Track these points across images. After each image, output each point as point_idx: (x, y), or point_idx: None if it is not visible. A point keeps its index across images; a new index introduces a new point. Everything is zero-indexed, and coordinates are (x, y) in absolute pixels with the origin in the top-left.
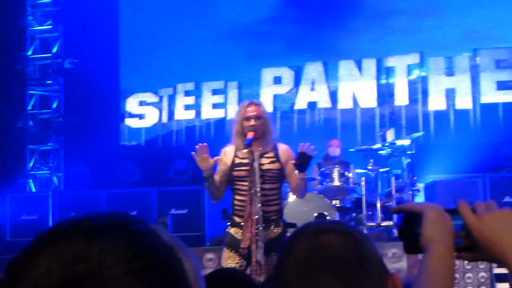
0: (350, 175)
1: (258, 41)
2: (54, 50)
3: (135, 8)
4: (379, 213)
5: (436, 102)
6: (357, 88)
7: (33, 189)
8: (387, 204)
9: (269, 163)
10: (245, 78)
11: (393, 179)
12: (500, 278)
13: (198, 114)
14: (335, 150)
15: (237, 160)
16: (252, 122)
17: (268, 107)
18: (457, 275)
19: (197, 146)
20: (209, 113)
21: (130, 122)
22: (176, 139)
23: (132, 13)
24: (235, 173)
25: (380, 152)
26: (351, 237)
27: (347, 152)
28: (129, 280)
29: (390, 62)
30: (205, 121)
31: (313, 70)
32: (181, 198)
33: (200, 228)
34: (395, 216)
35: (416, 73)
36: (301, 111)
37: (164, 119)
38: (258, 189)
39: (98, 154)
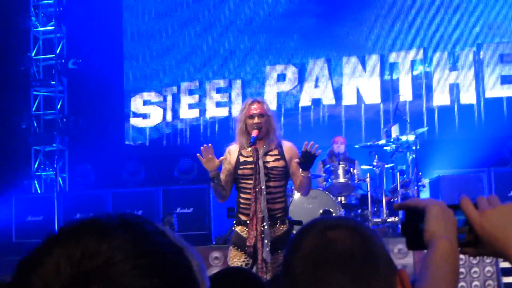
0: (355, 171)
1: (264, 39)
2: (58, 50)
3: (138, 7)
4: (384, 209)
5: (440, 98)
6: (361, 85)
7: (38, 190)
8: (392, 200)
9: (273, 160)
10: (249, 76)
11: (398, 175)
12: (507, 272)
13: (202, 112)
14: (340, 146)
15: (242, 159)
16: (256, 120)
17: (272, 104)
18: (463, 270)
19: (202, 147)
20: (213, 111)
21: (135, 122)
22: (181, 138)
23: (135, 13)
24: (240, 172)
25: (385, 148)
26: (358, 232)
27: (352, 148)
28: (137, 276)
29: (394, 58)
30: (209, 120)
31: (317, 67)
32: (186, 197)
33: (205, 226)
34: (400, 212)
35: (420, 69)
36: (305, 108)
37: (169, 118)
38: (263, 187)
39: (103, 154)
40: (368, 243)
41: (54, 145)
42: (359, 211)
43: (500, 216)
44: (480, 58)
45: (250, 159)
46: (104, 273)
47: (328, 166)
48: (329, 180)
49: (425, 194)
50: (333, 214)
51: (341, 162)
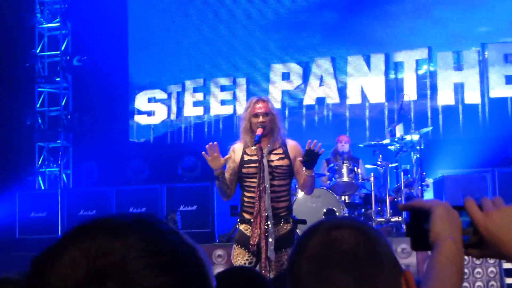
0: (359, 170)
1: (268, 37)
2: (63, 47)
3: (143, 5)
4: (388, 209)
5: (445, 97)
6: (365, 84)
7: (42, 187)
8: (396, 199)
9: (278, 159)
10: (254, 74)
11: (402, 174)
12: (510, 273)
13: (206, 110)
14: (344, 145)
15: (246, 157)
16: (261, 118)
17: (277, 103)
18: (466, 270)
19: (207, 146)
20: (217, 109)
21: (139, 119)
22: (185, 136)
23: (141, 10)
24: (244, 170)
25: (389, 147)
26: (363, 232)
27: (356, 147)
28: (151, 274)
29: (399, 57)
30: (213, 118)
31: (322, 65)
32: (190, 195)
33: (209, 224)
34: (404, 212)
35: (424, 68)
36: (310, 107)
37: (173, 115)
38: (268, 185)
39: (107, 151)
40: (373, 243)
41: (58, 141)
42: (363, 210)
43: (504, 218)
44: (484, 58)
45: (255, 157)
46: (118, 270)
47: (332, 165)
48: (333, 179)
49: (429, 193)
50: (337, 213)
51: (345, 161)
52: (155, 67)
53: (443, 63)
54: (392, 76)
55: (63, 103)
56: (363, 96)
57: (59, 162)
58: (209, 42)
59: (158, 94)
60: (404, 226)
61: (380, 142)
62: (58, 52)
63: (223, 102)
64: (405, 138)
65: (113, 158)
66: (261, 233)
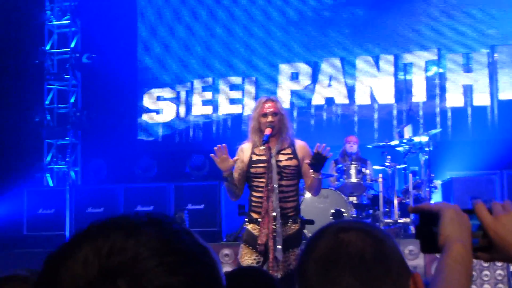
0: (367, 171)
1: (277, 37)
2: (72, 45)
3: (152, 3)
4: (396, 210)
5: (454, 99)
6: (374, 84)
7: (50, 183)
8: (404, 201)
9: (286, 159)
10: (262, 74)
11: (410, 175)
12: None
13: (215, 109)
14: (352, 146)
15: (254, 157)
16: (270, 118)
17: (285, 103)
18: (474, 273)
19: (215, 148)
20: (226, 108)
21: (148, 117)
22: (193, 135)
23: (150, 8)
24: (252, 170)
25: (397, 148)
26: (370, 235)
27: (365, 148)
28: (163, 273)
29: (408, 58)
30: (222, 117)
31: (330, 66)
32: (197, 193)
33: (216, 223)
34: (413, 214)
35: (434, 70)
36: (318, 107)
37: (182, 114)
38: (276, 185)
39: (116, 148)
40: (380, 246)
41: (67, 138)
42: (371, 211)
43: None
44: (494, 60)
45: (263, 157)
46: (131, 268)
47: (340, 165)
48: (341, 179)
49: (437, 195)
50: (345, 214)
51: (353, 162)
52: (164, 65)
53: (452, 65)
54: (401, 77)
55: (72, 100)
56: (372, 97)
57: (67, 159)
58: (218, 41)
59: (167, 92)
60: (412, 228)
61: (389, 143)
62: (68, 50)
63: (232, 101)
64: (413, 140)
65: (121, 156)
66: (269, 233)
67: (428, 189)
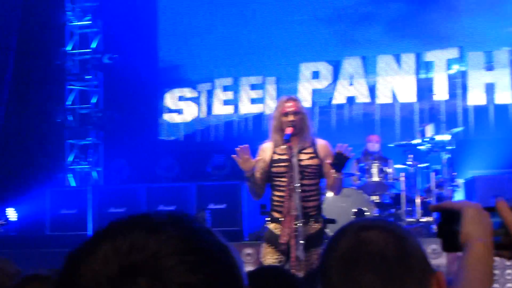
0: (389, 170)
1: (298, 36)
2: (93, 45)
3: (173, 2)
4: (418, 209)
5: (476, 97)
6: (396, 83)
7: (73, 184)
8: (426, 199)
9: (308, 158)
10: (283, 73)
11: (432, 174)
12: None
13: (236, 109)
14: (374, 145)
15: (276, 156)
16: (291, 117)
17: (306, 102)
18: (496, 272)
19: (237, 149)
20: (247, 108)
21: (169, 117)
22: (215, 134)
23: (171, 8)
24: (274, 169)
25: (419, 147)
26: (392, 233)
27: (386, 147)
28: (183, 271)
29: (429, 56)
30: (243, 116)
31: (352, 64)
32: (219, 193)
33: (238, 223)
34: (434, 212)
35: (455, 68)
36: (340, 106)
37: (203, 114)
38: (297, 185)
39: (137, 148)
40: (402, 245)
41: (88, 139)
42: (393, 210)
43: None
44: None
45: (284, 157)
46: (151, 266)
47: (362, 164)
48: (363, 178)
49: (459, 194)
50: (367, 213)
51: (375, 161)
52: (185, 65)
53: (474, 63)
54: (423, 76)
55: (93, 101)
56: (394, 96)
57: (89, 160)
58: (239, 41)
59: (188, 92)
60: (434, 227)
61: (411, 142)
62: (89, 50)
63: (253, 101)
64: (435, 138)
65: (143, 155)
66: (291, 232)
67: (450, 188)
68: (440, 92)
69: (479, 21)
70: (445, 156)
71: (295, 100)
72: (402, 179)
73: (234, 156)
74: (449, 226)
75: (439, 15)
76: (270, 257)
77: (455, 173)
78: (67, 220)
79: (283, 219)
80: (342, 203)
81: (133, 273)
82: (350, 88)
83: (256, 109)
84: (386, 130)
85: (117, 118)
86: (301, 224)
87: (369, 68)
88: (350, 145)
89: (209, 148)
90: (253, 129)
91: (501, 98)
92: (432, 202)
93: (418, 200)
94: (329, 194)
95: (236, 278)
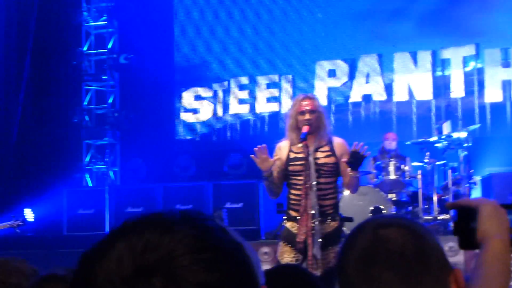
0: (406, 168)
1: (313, 34)
2: (110, 45)
3: (189, 2)
4: (435, 207)
5: (493, 94)
6: (412, 81)
7: (90, 184)
8: (443, 197)
9: (324, 157)
10: (299, 72)
11: (449, 172)
12: None
13: (252, 108)
14: (391, 143)
15: (292, 155)
16: (307, 116)
17: (323, 100)
18: None
19: (255, 148)
20: (263, 107)
21: (185, 117)
22: (231, 133)
23: (186, 7)
24: (290, 168)
25: (436, 145)
26: (411, 231)
27: (403, 145)
28: (198, 270)
29: (446, 54)
30: (259, 115)
31: (368, 62)
32: (236, 192)
33: (255, 221)
34: (451, 210)
35: (472, 65)
36: (356, 104)
37: (219, 113)
38: (314, 183)
39: (154, 148)
40: (421, 242)
41: (105, 139)
42: (410, 208)
43: None
44: None
45: (301, 155)
46: (165, 265)
47: (379, 162)
48: (379, 176)
49: (476, 191)
50: (384, 211)
51: (392, 159)
52: (201, 65)
53: (490, 60)
54: (439, 73)
55: (110, 101)
56: (410, 93)
57: (106, 159)
58: (255, 39)
59: (204, 91)
60: (451, 225)
61: (428, 139)
62: (105, 50)
63: (269, 100)
64: (452, 136)
65: (160, 155)
66: (308, 230)
67: (467, 185)
68: (457, 89)
69: (495, 17)
70: (462, 154)
71: (312, 98)
72: (419, 176)
73: (252, 156)
74: (466, 223)
75: (454, 12)
76: (287, 256)
77: (472, 171)
78: (84, 220)
79: (300, 217)
80: (359, 201)
81: (148, 273)
82: (367, 86)
83: (272, 107)
84: (402, 128)
85: (133, 118)
86: (318, 223)
87: (385, 66)
88: (366, 143)
89: (225, 147)
90: (269, 128)
91: None
92: (449, 199)
93: (435, 198)
94: (346, 192)
95: (251, 276)
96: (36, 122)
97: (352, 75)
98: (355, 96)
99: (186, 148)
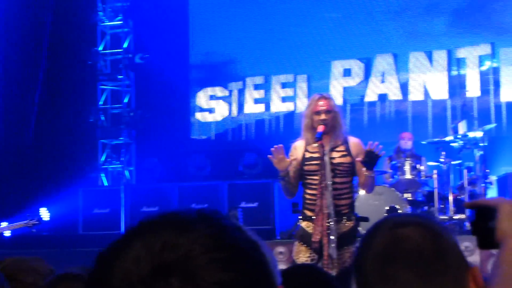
0: (422, 168)
1: (329, 33)
2: (125, 45)
3: (204, 2)
4: (451, 206)
5: (508, 93)
6: (428, 80)
7: (105, 183)
8: (459, 197)
9: (340, 156)
10: (314, 71)
11: (465, 171)
12: None
13: (267, 107)
14: (407, 142)
15: (308, 155)
16: (323, 116)
17: (338, 99)
18: None
19: (272, 149)
20: (278, 106)
21: (200, 116)
22: (246, 133)
23: (201, 8)
24: (306, 168)
25: (452, 144)
26: (429, 230)
27: (419, 144)
28: (215, 269)
29: (461, 53)
30: (274, 115)
31: (383, 62)
32: (251, 192)
33: (270, 221)
34: (467, 209)
35: (487, 64)
36: (371, 104)
37: (234, 113)
38: (329, 183)
39: (169, 148)
40: (439, 241)
41: (121, 138)
42: (426, 208)
43: None
44: None
45: (316, 155)
46: (183, 265)
47: (394, 162)
48: (395, 176)
49: (492, 191)
50: (399, 211)
51: (407, 158)
52: (216, 64)
53: (506, 59)
54: (455, 72)
55: (125, 101)
56: (426, 93)
57: (122, 159)
58: (270, 39)
59: (219, 91)
60: (467, 224)
61: (443, 139)
62: (121, 50)
63: (284, 99)
64: (468, 135)
65: (175, 154)
66: (323, 230)
67: (483, 185)
68: (473, 89)
69: (510, 17)
70: (478, 153)
71: (327, 98)
72: (435, 176)
73: (270, 156)
74: (484, 223)
75: (470, 11)
76: (302, 255)
77: (488, 170)
78: (99, 219)
79: (315, 217)
80: (374, 201)
81: (165, 272)
82: (382, 86)
83: (287, 107)
84: (418, 127)
85: (148, 118)
86: (333, 222)
87: (400, 65)
88: (382, 142)
89: (240, 147)
90: (284, 128)
91: None
92: (465, 199)
93: (450, 198)
94: (362, 192)
95: (268, 275)
96: (52, 121)
97: (367, 75)
98: (371, 95)
99: (201, 147)
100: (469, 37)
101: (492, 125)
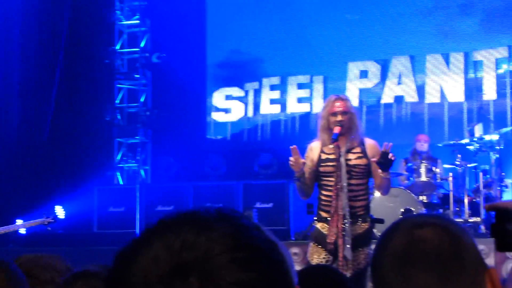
0: (438, 170)
1: (346, 35)
2: (142, 44)
3: (221, 1)
4: (466, 209)
5: None
6: (444, 82)
7: (121, 182)
8: (474, 200)
9: (356, 158)
10: (331, 72)
11: (481, 174)
12: None
13: (283, 108)
14: (423, 145)
15: (324, 156)
16: (339, 117)
17: (354, 101)
18: None
19: (291, 147)
20: (294, 107)
21: (216, 116)
22: (262, 133)
23: (219, 7)
24: (321, 169)
25: (468, 147)
26: (446, 231)
27: (435, 147)
28: (234, 269)
29: (478, 56)
30: (290, 116)
31: (400, 64)
32: (266, 192)
33: (285, 222)
34: (482, 212)
35: (504, 67)
36: (388, 105)
37: (250, 113)
38: (345, 184)
39: (185, 147)
40: (457, 242)
41: (137, 137)
42: (441, 210)
43: None
44: None
45: (332, 156)
46: (202, 264)
47: (410, 164)
48: (411, 178)
49: (508, 194)
50: (414, 214)
51: (423, 161)
52: (233, 65)
53: None
54: (471, 75)
55: (142, 100)
56: (442, 95)
57: (137, 158)
58: (287, 40)
59: (235, 91)
60: (482, 227)
61: (459, 141)
62: (138, 49)
63: (300, 100)
64: (484, 138)
65: (191, 154)
66: (338, 231)
67: (499, 188)
68: (489, 92)
69: None
70: (494, 156)
71: (344, 99)
72: (450, 179)
73: (291, 158)
74: (503, 225)
75: (487, 14)
76: (317, 257)
77: (504, 173)
78: (115, 218)
79: (330, 218)
80: (390, 203)
81: (185, 272)
82: (398, 88)
83: (303, 108)
84: (434, 130)
85: (165, 117)
86: (348, 224)
87: (417, 67)
88: (398, 144)
89: (256, 147)
90: (300, 129)
91: None
92: (480, 202)
93: (466, 200)
94: (377, 194)
95: (286, 275)
96: (68, 120)
97: (384, 76)
98: (387, 97)
99: (217, 147)
100: (486, 40)
101: (508, 128)
